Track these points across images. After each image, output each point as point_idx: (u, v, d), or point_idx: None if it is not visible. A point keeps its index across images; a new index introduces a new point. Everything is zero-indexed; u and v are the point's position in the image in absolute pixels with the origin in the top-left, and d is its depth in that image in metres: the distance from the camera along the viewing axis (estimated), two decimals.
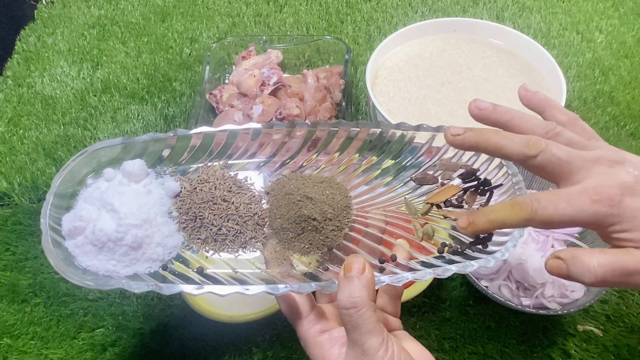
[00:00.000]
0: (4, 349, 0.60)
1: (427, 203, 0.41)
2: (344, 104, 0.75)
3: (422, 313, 0.62)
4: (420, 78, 0.74)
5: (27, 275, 0.66)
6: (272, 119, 0.73)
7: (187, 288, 0.38)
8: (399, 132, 0.45)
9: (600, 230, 0.34)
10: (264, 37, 0.86)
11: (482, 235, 0.39)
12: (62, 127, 0.82)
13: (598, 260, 0.32)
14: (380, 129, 0.45)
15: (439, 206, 0.41)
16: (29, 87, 0.88)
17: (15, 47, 0.95)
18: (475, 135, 0.37)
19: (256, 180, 0.45)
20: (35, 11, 1.02)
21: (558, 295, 0.58)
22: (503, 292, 0.60)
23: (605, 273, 0.32)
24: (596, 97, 0.82)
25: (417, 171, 0.45)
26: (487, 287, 0.59)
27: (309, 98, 0.76)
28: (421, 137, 0.45)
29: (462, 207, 0.41)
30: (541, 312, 0.56)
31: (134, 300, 0.63)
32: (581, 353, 0.58)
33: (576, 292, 0.58)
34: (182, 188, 0.44)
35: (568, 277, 0.33)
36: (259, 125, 0.46)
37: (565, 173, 0.35)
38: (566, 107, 0.66)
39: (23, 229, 0.71)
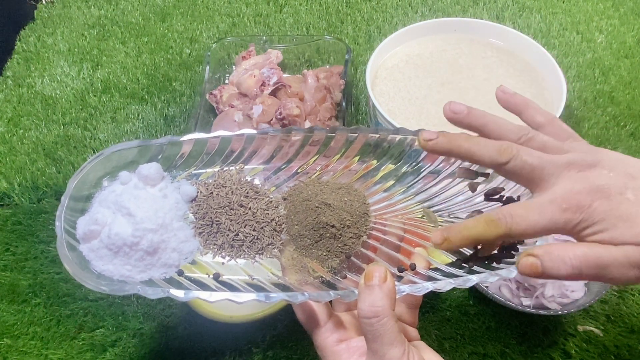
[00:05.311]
0: (4, 349, 0.60)
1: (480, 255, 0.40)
2: (344, 104, 0.75)
3: (422, 313, 0.62)
4: (420, 78, 0.74)
5: (27, 276, 0.66)
6: (272, 119, 0.73)
7: (204, 295, 0.37)
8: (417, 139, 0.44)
9: (573, 234, 0.34)
10: (264, 37, 0.86)
11: (505, 248, 0.39)
12: (62, 127, 0.82)
13: (573, 252, 0.33)
14: (399, 136, 0.44)
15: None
16: (29, 87, 0.88)
17: (15, 47, 0.95)
18: (448, 142, 0.37)
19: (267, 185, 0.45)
20: (35, 11, 1.02)
21: (558, 296, 0.58)
22: (503, 292, 0.60)
23: (580, 264, 0.32)
24: (596, 97, 0.82)
25: (437, 176, 0.44)
26: (487, 287, 0.59)
27: (309, 98, 0.76)
28: None
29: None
30: (541, 312, 0.56)
31: (134, 300, 0.63)
32: (581, 353, 0.58)
33: (576, 292, 0.58)
34: (198, 192, 0.43)
35: (542, 274, 0.33)
36: (276, 130, 0.45)
37: (537, 179, 0.35)
38: (566, 107, 0.67)
39: (23, 229, 0.71)
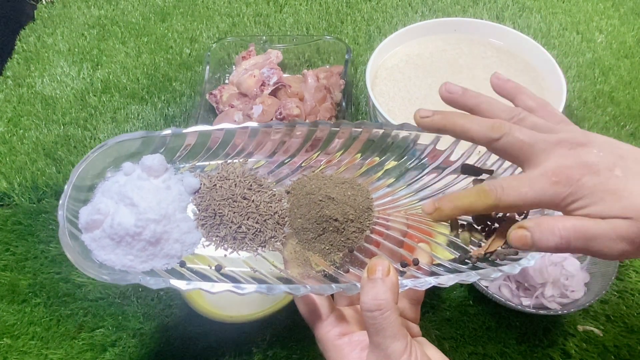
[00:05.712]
0: (4, 349, 0.60)
1: (486, 252, 0.39)
2: (344, 104, 0.75)
3: (422, 313, 0.61)
4: (420, 78, 0.74)
5: (27, 275, 0.66)
6: (272, 119, 0.73)
7: (206, 286, 0.37)
8: (422, 135, 0.44)
9: (561, 208, 0.35)
10: (264, 37, 0.86)
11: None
12: (62, 127, 0.82)
13: (563, 223, 0.33)
14: (403, 132, 0.44)
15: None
16: (29, 87, 0.88)
17: (15, 47, 0.95)
18: (443, 118, 0.39)
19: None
20: (35, 11, 1.02)
21: (558, 295, 0.58)
22: (503, 292, 0.60)
23: (569, 235, 0.33)
24: (596, 97, 0.82)
25: (441, 172, 0.44)
26: (487, 287, 0.59)
27: (309, 98, 0.76)
28: (443, 142, 0.44)
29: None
30: (541, 312, 0.56)
31: (134, 300, 0.63)
32: (581, 353, 0.58)
33: (576, 292, 0.58)
34: (201, 184, 0.43)
35: (532, 245, 0.34)
36: (280, 124, 0.45)
37: (528, 155, 0.36)
38: (566, 107, 0.67)
39: (23, 229, 0.71)
